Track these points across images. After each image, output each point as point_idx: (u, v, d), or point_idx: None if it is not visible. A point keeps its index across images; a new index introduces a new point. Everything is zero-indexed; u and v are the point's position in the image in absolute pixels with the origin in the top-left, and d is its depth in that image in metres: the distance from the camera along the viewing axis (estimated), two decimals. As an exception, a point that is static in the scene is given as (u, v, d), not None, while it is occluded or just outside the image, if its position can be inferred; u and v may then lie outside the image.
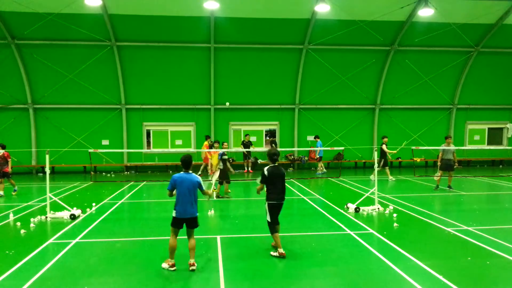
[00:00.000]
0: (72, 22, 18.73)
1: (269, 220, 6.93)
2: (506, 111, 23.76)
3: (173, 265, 6.27)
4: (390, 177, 17.04)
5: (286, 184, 7.13)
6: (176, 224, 6.37)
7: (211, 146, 18.79)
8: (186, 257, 6.36)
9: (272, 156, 7.02)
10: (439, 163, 14.38)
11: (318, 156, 20.29)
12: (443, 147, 14.30)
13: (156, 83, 21.18)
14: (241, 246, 7.54)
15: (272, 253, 6.95)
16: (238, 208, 11.68)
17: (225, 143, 13.22)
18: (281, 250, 6.81)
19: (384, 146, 17.07)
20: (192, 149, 21.09)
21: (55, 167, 20.93)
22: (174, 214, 6.37)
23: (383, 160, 17.02)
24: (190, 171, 6.50)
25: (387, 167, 17.23)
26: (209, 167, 14.47)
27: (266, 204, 6.94)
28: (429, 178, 17.16)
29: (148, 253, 7.16)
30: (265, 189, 7.03)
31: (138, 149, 21.15)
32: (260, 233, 8.36)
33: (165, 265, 6.33)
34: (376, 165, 11.31)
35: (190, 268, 6.21)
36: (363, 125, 22.82)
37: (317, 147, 20.01)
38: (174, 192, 6.42)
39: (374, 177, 15.22)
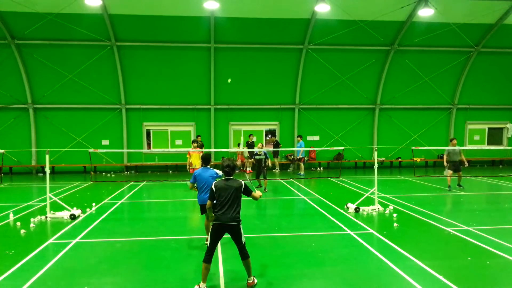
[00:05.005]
0: (72, 22, 18.74)
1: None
2: (506, 111, 23.75)
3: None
4: None
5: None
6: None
7: (200, 147, 18.84)
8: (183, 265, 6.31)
9: (224, 168, 5.75)
10: (446, 164, 14.34)
11: (297, 157, 20.11)
12: (450, 147, 14.45)
13: (156, 83, 21.18)
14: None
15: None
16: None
17: (260, 143, 14.58)
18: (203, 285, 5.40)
19: None
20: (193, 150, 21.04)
21: (55, 167, 20.92)
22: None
23: None
24: (209, 166, 7.38)
25: None
26: (188, 166, 14.78)
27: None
28: (429, 178, 17.16)
29: (148, 253, 7.15)
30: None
31: (138, 149, 21.15)
32: (260, 233, 8.36)
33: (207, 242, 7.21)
34: None
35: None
36: (363, 125, 22.81)
37: (297, 147, 19.74)
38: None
39: None
